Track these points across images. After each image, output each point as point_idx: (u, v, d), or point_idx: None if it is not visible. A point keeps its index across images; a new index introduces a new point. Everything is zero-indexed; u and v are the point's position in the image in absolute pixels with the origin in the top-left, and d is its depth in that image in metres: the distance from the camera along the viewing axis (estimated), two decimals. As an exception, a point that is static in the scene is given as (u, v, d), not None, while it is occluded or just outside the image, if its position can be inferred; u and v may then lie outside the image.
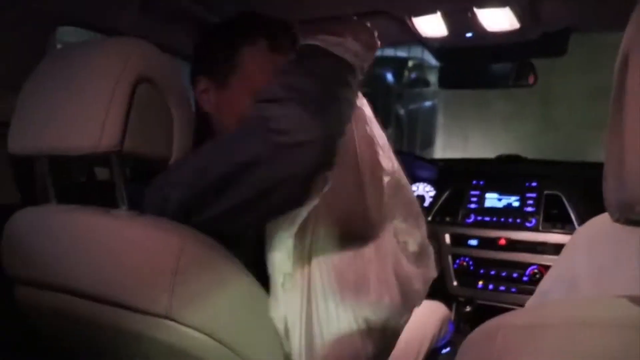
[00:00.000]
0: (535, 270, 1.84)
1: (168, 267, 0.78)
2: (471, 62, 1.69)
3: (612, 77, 0.49)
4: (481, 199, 2.03)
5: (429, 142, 5.64)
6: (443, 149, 5.02)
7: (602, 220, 0.70)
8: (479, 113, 4.66)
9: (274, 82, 0.84)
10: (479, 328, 0.55)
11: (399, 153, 2.39)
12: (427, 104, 6.71)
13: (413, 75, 5.55)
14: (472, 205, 2.04)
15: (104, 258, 0.83)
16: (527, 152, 3.02)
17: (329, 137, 0.80)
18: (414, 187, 2.23)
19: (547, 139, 4.31)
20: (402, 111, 6.44)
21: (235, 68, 1.00)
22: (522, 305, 1.81)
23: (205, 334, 0.81)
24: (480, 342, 0.53)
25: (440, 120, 5.12)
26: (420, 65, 5.24)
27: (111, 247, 0.82)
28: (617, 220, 0.57)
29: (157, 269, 0.79)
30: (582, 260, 0.66)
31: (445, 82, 1.86)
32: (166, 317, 0.78)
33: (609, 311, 0.47)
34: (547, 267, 1.83)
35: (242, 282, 0.89)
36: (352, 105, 0.90)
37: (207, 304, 0.83)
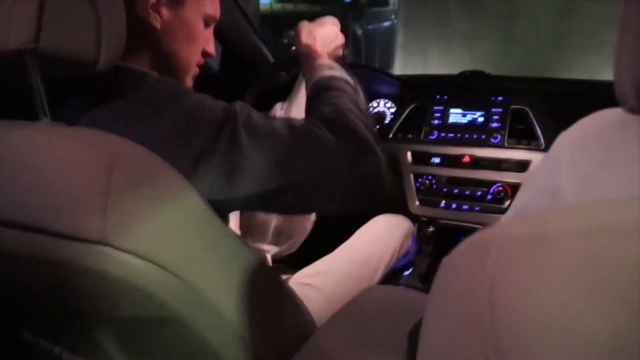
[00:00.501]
0: (500, 188, 1.77)
1: (98, 186, 0.69)
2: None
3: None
4: (445, 115, 1.93)
5: (387, 62, 5.52)
6: (402, 69, 4.91)
7: (588, 123, 0.60)
8: (439, 32, 4.54)
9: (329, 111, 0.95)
10: (468, 240, 0.45)
11: (356, 66, 2.26)
12: (386, 23, 6.55)
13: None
14: (435, 122, 1.94)
15: (25, 180, 0.72)
16: (489, 71, 2.93)
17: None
18: (373, 104, 2.11)
19: (509, 58, 4.23)
20: (360, 31, 6.28)
21: None
22: (485, 225, 1.78)
23: (146, 259, 0.72)
24: (471, 256, 0.44)
25: (399, 39, 4.97)
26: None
27: (33, 167, 0.72)
28: (632, 109, 0.48)
29: (86, 189, 0.70)
30: (566, 168, 0.56)
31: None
32: (100, 243, 0.69)
33: (620, 214, 0.38)
34: (511, 185, 1.77)
35: (187, 201, 0.79)
36: None
37: (147, 225, 0.73)
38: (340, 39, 1.18)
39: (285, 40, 5.69)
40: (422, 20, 4.64)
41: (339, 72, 1.07)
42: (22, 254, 0.75)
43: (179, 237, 0.77)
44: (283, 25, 5.47)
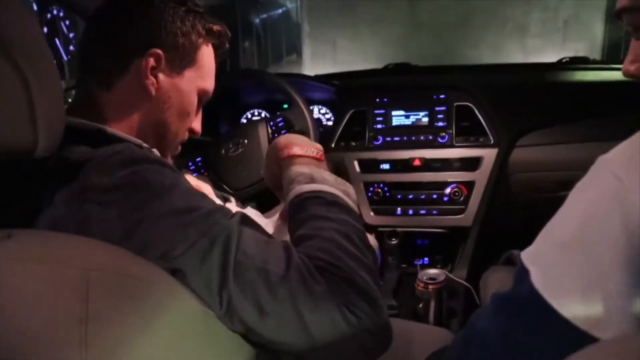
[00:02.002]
0: (455, 189, 1.74)
1: (74, 315, 0.57)
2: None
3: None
4: (387, 118, 1.87)
5: (295, 50, 5.43)
6: (312, 58, 4.84)
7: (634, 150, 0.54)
8: (344, 18, 4.50)
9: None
10: None
11: (286, 75, 2.16)
12: (287, 10, 6.44)
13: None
14: (378, 126, 1.87)
15: None
16: (398, 55, 2.92)
17: None
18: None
19: (415, 41, 4.26)
20: (257, 20, 6.12)
21: (193, 61, 0.93)
22: (446, 228, 1.78)
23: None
24: None
25: (305, 28, 4.88)
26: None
27: None
28: None
29: (59, 321, 0.57)
30: (634, 195, 0.50)
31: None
32: (84, 376, 0.56)
33: None
34: (466, 184, 1.75)
35: (178, 307, 0.67)
36: None
37: (135, 350, 0.61)
38: (319, 148, 0.98)
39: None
40: (326, 7, 4.58)
41: (322, 183, 0.85)
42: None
43: (175, 352, 0.66)
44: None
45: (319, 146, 0.95)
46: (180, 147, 0.99)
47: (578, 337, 0.51)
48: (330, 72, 2.26)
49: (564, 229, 0.57)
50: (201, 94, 0.96)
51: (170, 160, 0.98)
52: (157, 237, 0.68)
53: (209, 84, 0.97)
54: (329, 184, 0.84)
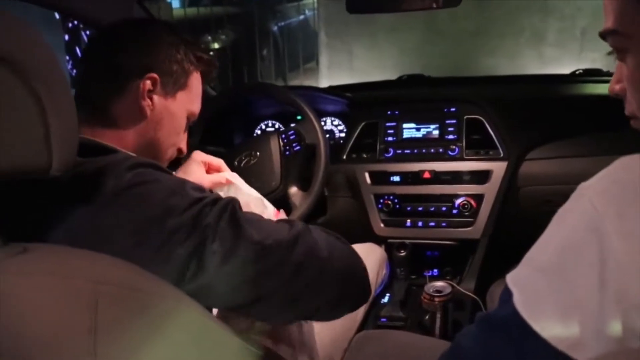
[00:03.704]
0: (465, 202, 1.76)
1: (84, 326, 0.59)
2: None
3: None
4: (398, 131, 1.90)
5: (312, 58, 5.46)
6: (329, 67, 4.87)
7: (617, 177, 0.56)
8: (362, 27, 4.53)
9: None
10: None
11: (300, 88, 2.20)
12: (304, 18, 6.48)
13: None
14: (389, 139, 1.90)
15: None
16: (415, 64, 2.92)
17: None
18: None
19: (433, 49, 4.28)
20: (275, 28, 6.18)
21: (185, 85, 1.02)
22: (455, 240, 1.80)
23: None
24: None
25: (322, 38, 4.91)
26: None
27: (7, 316, 0.60)
28: None
29: (70, 331, 0.60)
30: (613, 229, 0.52)
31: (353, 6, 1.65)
32: (94, 386, 0.59)
33: None
34: (475, 197, 1.76)
35: (184, 317, 0.70)
36: None
37: (146, 358, 0.63)
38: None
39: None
40: (343, 17, 4.61)
41: None
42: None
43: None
44: (199, 30, 5.26)
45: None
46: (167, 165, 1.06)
47: (557, 358, 0.54)
48: (347, 81, 2.29)
49: (545, 254, 0.59)
50: (189, 115, 1.05)
51: None
52: (169, 237, 0.75)
53: (197, 107, 1.07)
54: None
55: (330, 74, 4.82)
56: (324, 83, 4.55)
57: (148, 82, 0.95)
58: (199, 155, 1.27)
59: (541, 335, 0.55)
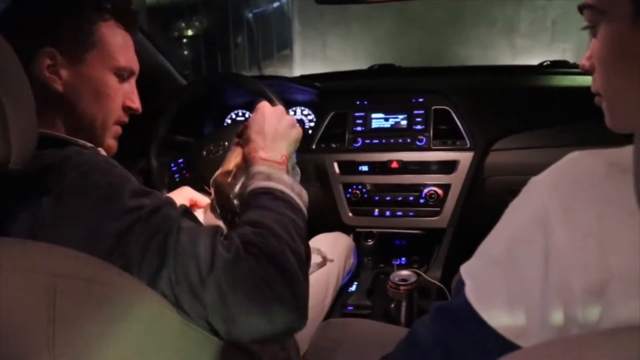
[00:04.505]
0: (432, 191, 1.79)
1: (41, 318, 0.60)
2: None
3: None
4: (367, 121, 1.91)
5: (287, 45, 5.44)
6: (302, 57, 4.86)
7: (568, 172, 0.58)
8: (336, 16, 4.52)
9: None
10: None
11: (268, 78, 2.20)
12: (279, 5, 6.44)
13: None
14: (358, 128, 1.91)
15: None
16: (389, 53, 2.93)
17: None
18: (291, 112, 2.05)
19: (406, 38, 4.29)
20: (249, 15, 6.14)
21: (92, 44, 0.92)
22: (422, 229, 1.82)
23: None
24: None
25: (296, 26, 4.90)
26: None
27: None
28: None
29: (27, 323, 0.61)
30: (559, 226, 0.54)
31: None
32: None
33: None
34: (442, 186, 1.79)
35: (141, 306, 0.71)
36: None
37: (101, 351, 0.64)
38: (295, 133, 1.05)
39: (176, 34, 5.44)
40: (317, 6, 4.60)
41: (277, 182, 0.91)
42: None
43: (142, 354, 0.70)
44: (173, 17, 5.20)
45: (284, 151, 1.00)
46: (121, 129, 1.01)
47: (505, 345, 0.56)
48: (321, 70, 2.29)
49: (497, 246, 0.61)
50: (118, 71, 0.95)
51: (114, 143, 1.00)
52: (111, 236, 0.73)
53: (123, 59, 0.96)
54: (284, 184, 0.91)
55: (304, 63, 4.82)
56: (297, 72, 4.54)
57: (46, 59, 0.88)
58: (187, 191, 1.26)
59: (490, 325, 0.57)
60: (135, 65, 1.00)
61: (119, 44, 0.96)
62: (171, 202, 0.82)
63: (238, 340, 0.78)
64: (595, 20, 0.65)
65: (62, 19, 0.91)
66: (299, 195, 0.92)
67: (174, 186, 1.48)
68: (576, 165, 0.58)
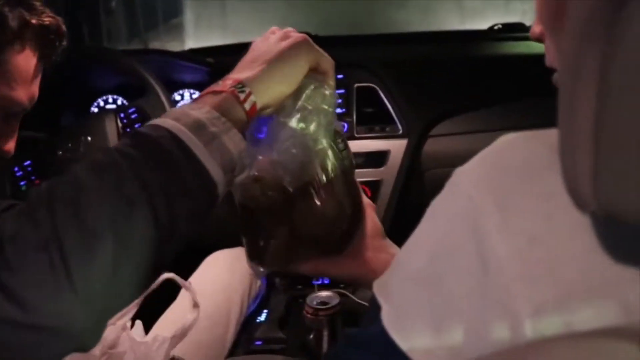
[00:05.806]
0: (357, 192, 1.82)
1: None
2: None
3: None
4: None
5: (177, 12, 5.40)
6: (196, 25, 4.84)
7: (498, 164, 0.57)
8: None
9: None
10: None
11: (147, 52, 2.19)
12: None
13: None
14: (264, 114, 1.93)
15: None
16: (307, 20, 2.97)
17: None
18: (175, 96, 2.06)
19: (329, 1, 4.34)
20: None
21: None
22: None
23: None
24: None
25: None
26: None
27: None
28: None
29: None
30: (495, 228, 0.53)
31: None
32: None
33: None
34: (370, 184, 1.82)
35: None
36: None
37: None
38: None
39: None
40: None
41: (191, 128, 0.75)
42: None
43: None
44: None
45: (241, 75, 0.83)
46: None
47: None
48: (219, 42, 2.28)
49: (416, 260, 0.60)
50: (4, 104, 0.99)
51: None
52: None
53: (17, 92, 1.00)
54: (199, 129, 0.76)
55: (198, 34, 4.80)
56: (190, 45, 4.50)
57: None
58: None
59: (410, 356, 0.57)
60: (24, 102, 1.03)
61: (20, 72, 0.99)
62: None
63: None
64: None
65: None
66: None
67: (20, 196, 1.46)
68: (511, 151, 0.57)
